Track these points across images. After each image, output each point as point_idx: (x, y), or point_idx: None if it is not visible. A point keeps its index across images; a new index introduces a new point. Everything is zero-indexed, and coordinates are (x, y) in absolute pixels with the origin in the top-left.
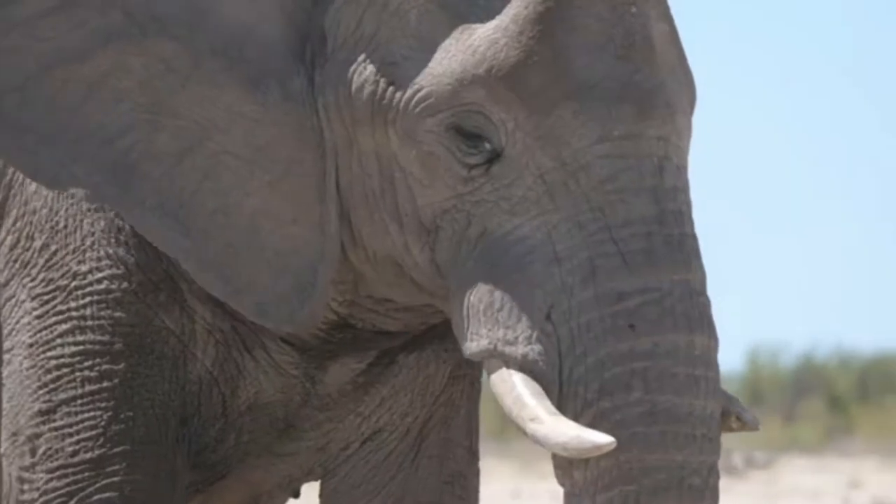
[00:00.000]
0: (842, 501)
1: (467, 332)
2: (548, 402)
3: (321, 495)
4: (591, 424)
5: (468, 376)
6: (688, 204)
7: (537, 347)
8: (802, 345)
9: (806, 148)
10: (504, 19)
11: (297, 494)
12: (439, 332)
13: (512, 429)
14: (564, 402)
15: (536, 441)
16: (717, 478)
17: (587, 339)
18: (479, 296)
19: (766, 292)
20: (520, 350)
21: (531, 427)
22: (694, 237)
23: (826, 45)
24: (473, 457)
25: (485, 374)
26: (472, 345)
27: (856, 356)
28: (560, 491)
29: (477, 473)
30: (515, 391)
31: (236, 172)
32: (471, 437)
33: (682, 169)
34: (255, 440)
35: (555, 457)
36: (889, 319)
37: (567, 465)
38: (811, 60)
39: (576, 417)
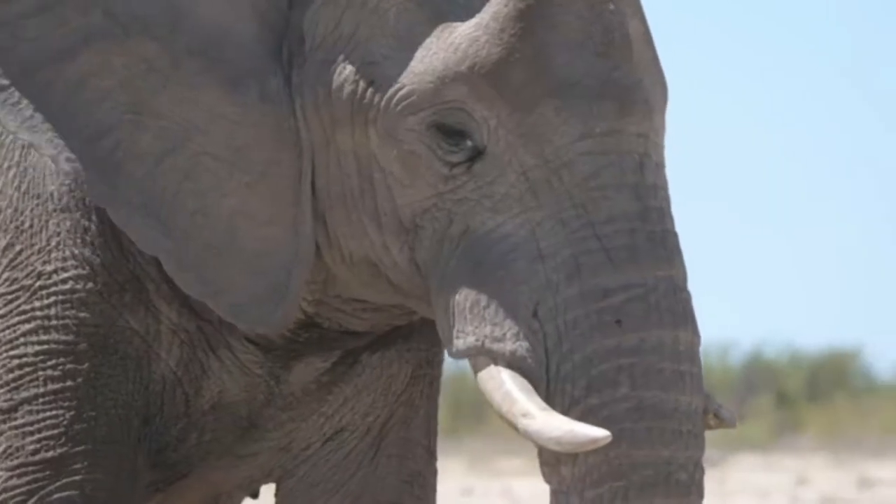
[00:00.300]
0: (790, 499)
1: (453, 330)
2: (538, 398)
3: (277, 495)
4: (579, 421)
5: (428, 376)
6: (668, 201)
7: (525, 344)
8: (751, 342)
9: (758, 145)
10: (484, 17)
11: (255, 495)
12: (403, 332)
13: (463, 426)
14: (552, 398)
15: (528, 436)
16: (703, 473)
17: (574, 335)
18: (464, 294)
19: (715, 290)
20: (508, 347)
21: (523, 423)
22: (675, 234)
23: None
24: (432, 457)
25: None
26: (459, 343)
27: (805, 354)
28: (510, 489)
29: (435, 473)
30: (504, 387)
31: (215, 173)
32: (429, 437)
33: (660, 166)
34: (218, 439)
35: (542, 454)
36: (838, 317)
37: (554, 462)
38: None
39: (563, 414)
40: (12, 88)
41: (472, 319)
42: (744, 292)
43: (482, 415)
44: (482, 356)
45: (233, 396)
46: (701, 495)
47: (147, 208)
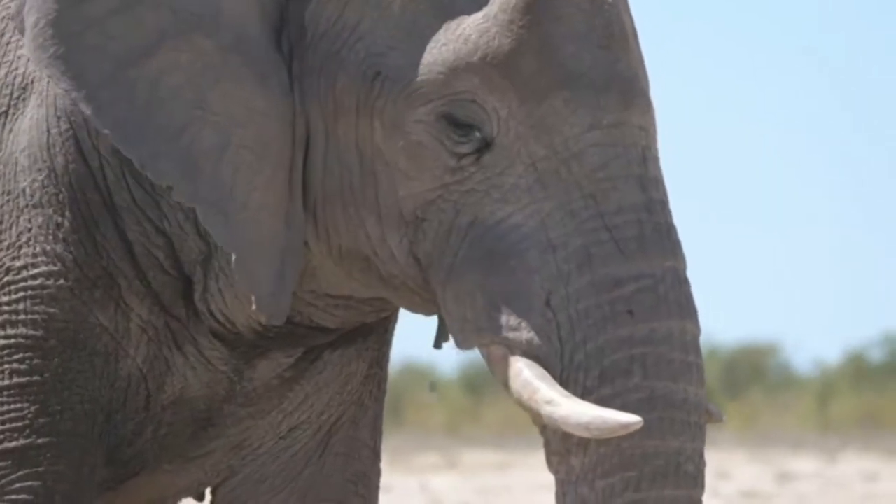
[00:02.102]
0: (709, 494)
1: (465, 320)
2: (557, 385)
3: (216, 494)
4: None
5: (377, 376)
6: (666, 194)
7: (541, 333)
8: None
9: (679, 140)
10: (492, 8)
11: (201, 497)
12: (364, 331)
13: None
14: (564, 387)
15: (554, 423)
16: (705, 465)
17: (586, 325)
18: (476, 284)
19: None
20: (524, 335)
21: (547, 409)
22: (675, 226)
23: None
24: (377, 457)
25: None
26: (472, 332)
27: (722, 347)
28: (428, 484)
29: (379, 474)
30: (523, 375)
31: (250, 167)
32: (375, 437)
33: (658, 159)
34: (174, 434)
35: (549, 443)
36: (754, 310)
37: (564, 452)
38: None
39: None
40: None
41: (486, 309)
42: None
43: (400, 412)
44: (496, 345)
45: (194, 392)
46: (704, 487)
47: (218, 205)
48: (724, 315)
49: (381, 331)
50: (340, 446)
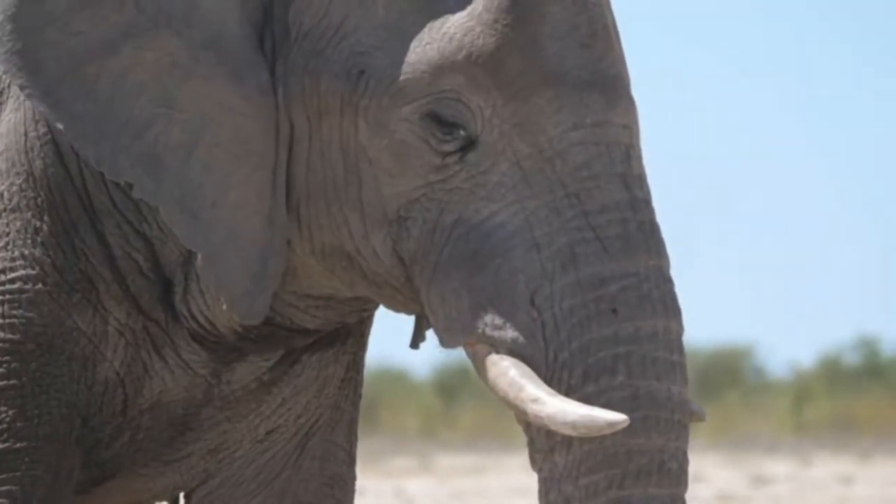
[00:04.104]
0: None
1: (449, 319)
2: (543, 384)
3: (191, 496)
4: None
5: (353, 380)
6: (650, 192)
7: (526, 331)
8: None
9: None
10: (477, 7)
11: (175, 501)
12: (341, 334)
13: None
14: (549, 386)
15: (540, 421)
16: (688, 463)
17: (570, 324)
18: (461, 282)
19: None
20: (509, 334)
21: (533, 408)
22: (659, 225)
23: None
24: (352, 461)
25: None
26: (457, 331)
27: (696, 351)
28: (403, 488)
29: (354, 478)
30: (510, 374)
31: (226, 165)
32: (351, 441)
33: (641, 158)
34: (151, 437)
35: (534, 441)
36: (729, 313)
37: (548, 450)
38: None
39: None
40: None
41: (471, 307)
42: None
43: (375, 415)
44: (482, 344)
45: (172, 396)
46: (687, 485)
47: (183, 202)
48: (699, 318)
49: (357, 334)
50: (317, 450)
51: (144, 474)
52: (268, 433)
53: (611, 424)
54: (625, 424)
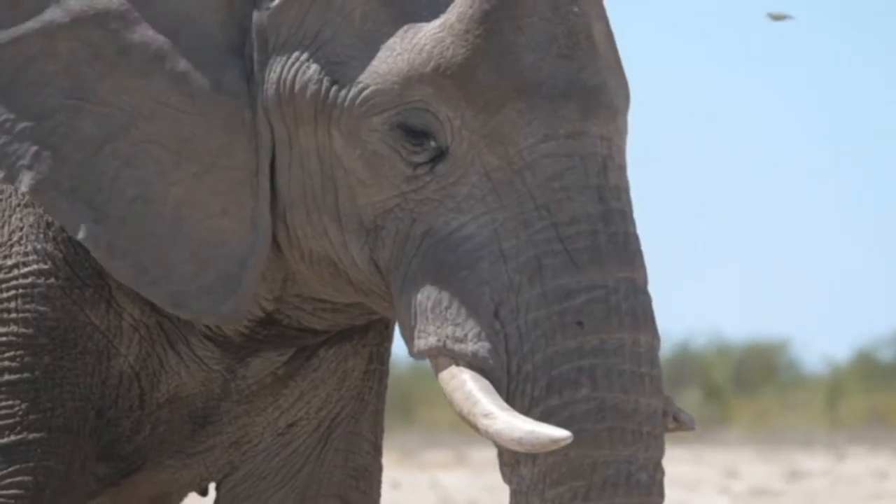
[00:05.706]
0: (720, 491)
1: (414, 330)
2: (499, 399)
3: (220, 490)
4: (540, 421)
5: (378, 371)
6: (630, 203)
7: (486, 345)
8: (679, 333)
9: (683, 137)
10: (449, 17)
11: (204, 493)
12: (360, 328)
13: (391, 420)
14: (512, 399)
15: (489, 437)
16: (663, 474)
17: (535, 336)
18: (426, 293)
19: None
20: (469, 347)
21: (484, 423)
22: (637, 236)
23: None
24: (378, 452)
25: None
26: (420, 342)
27: (732, 345)
28: (438, 481)
29: (380, 469)
30: (466, 388)
31: (160, 162)
32: (376, 432)
33: (623, 168)
34: (173, 430)
35: (501, 454)
36: (765, 307)
37: (514, 463)
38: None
39: (524, 414)
40: None
41: (434, 319)
42: (671, 283)
43: (410, 410)
44: (443, 356)
45: (189, 390)
46: (661, 496)
47: (76, 193)
48: (735, 313)
49: (380, 327)
50: (340, 442)
51: (170, 466)
52: (289, 426)
53: (554, 441)
54: (569, 441)
